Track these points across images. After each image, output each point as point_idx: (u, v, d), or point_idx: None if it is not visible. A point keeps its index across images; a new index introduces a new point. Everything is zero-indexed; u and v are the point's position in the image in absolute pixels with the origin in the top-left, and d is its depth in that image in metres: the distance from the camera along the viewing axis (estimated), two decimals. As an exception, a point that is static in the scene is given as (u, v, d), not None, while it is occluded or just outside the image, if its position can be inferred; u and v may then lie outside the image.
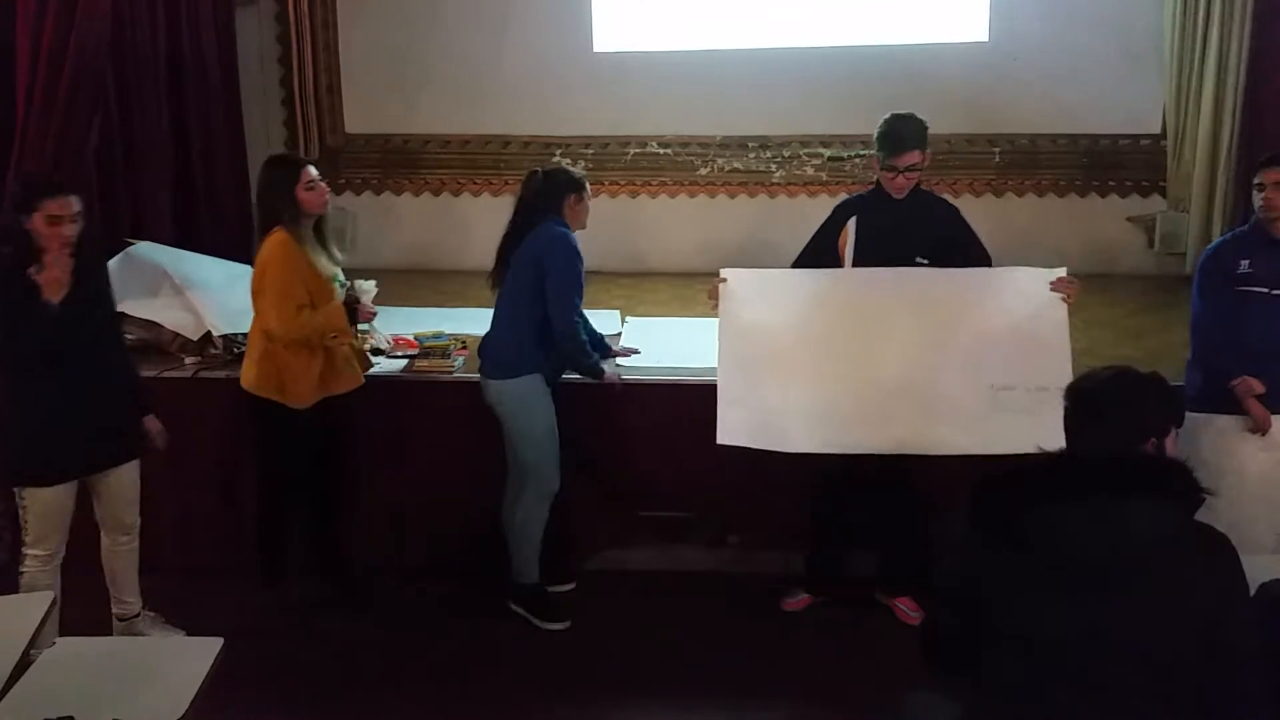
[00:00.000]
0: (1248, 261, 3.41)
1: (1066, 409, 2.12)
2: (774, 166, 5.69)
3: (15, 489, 3.27)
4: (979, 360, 3.30)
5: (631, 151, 5.74)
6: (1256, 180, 3.37)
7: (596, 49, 5.62)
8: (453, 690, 3.41)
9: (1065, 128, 5.51)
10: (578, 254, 3.56)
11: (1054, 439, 3.14)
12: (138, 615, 3.50)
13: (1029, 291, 3.33)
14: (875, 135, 3.51)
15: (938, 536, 3.61)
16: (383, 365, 4.05)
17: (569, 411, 3.70)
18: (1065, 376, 3.20)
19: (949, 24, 5.46)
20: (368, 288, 3.67)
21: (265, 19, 5.72)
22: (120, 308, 3.98)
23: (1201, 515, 1.98)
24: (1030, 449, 3.14)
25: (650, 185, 5.79)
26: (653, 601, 3.86)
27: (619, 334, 4.51)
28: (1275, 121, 5.04)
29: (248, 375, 3.61)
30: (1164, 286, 5.27)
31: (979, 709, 2.00)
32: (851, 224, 3.49)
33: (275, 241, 3.52)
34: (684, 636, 3.66)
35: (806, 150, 5.64)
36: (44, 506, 3.24)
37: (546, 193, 3.58)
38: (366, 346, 3.90)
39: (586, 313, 4.71)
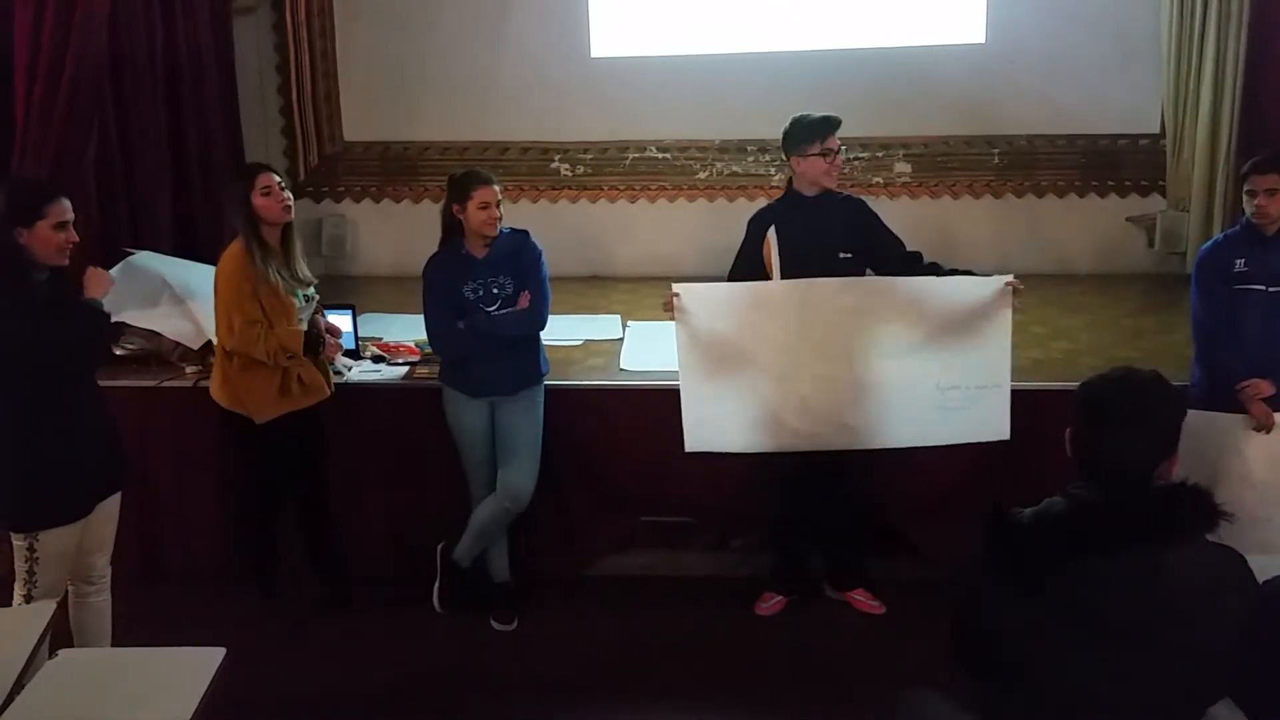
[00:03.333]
0: (1243, 260, 3.42)
1: (1083, 416, 1.94)
2: (773, 170, 5.69)
3: (22, 534, 2.93)
4: (926, 362, 3.44)
5: (630, 156, 5.75)
6: (1247, 187, 3.39)
7: (594, 54, 5.63)
8: (452, 697, 3.40)
9: (1064, 128, 5.51)
10: (429, 273, 3.67)
11: (990, 431, 3.39)
12: None
13: (976, 299, 3.43)
14: (788, 134, 3.59)
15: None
16: (384, 372, 4.05)
17: (556, 420, 3.72)
18: (1004, 375, 3.45)
19: (946, 26, 5.47)
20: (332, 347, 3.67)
21: (263, 28, 5.74)
22: (120, 317, 3.99)
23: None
24: (971, 440, 3.43)
25: (649, 190, 5.79)
26: (654, 607, 3.86)
27: (620, 339, 4.52)
28: (1274, 119, 5.04)
29: (214, 385, 3.62)
30: (1165, 286, 5.27)
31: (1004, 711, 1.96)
32: (772, 233, 3.58)
33: (227, 255, 3.50)
34: (685, 641, 3.66)
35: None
36: (60, 549, 2.94)
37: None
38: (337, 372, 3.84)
39: (588, 317, 4.76)
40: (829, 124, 3.54)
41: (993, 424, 3.44)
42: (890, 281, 3.48)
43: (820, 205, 3.58)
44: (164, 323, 4.08)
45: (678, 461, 3.84)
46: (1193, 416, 3.26)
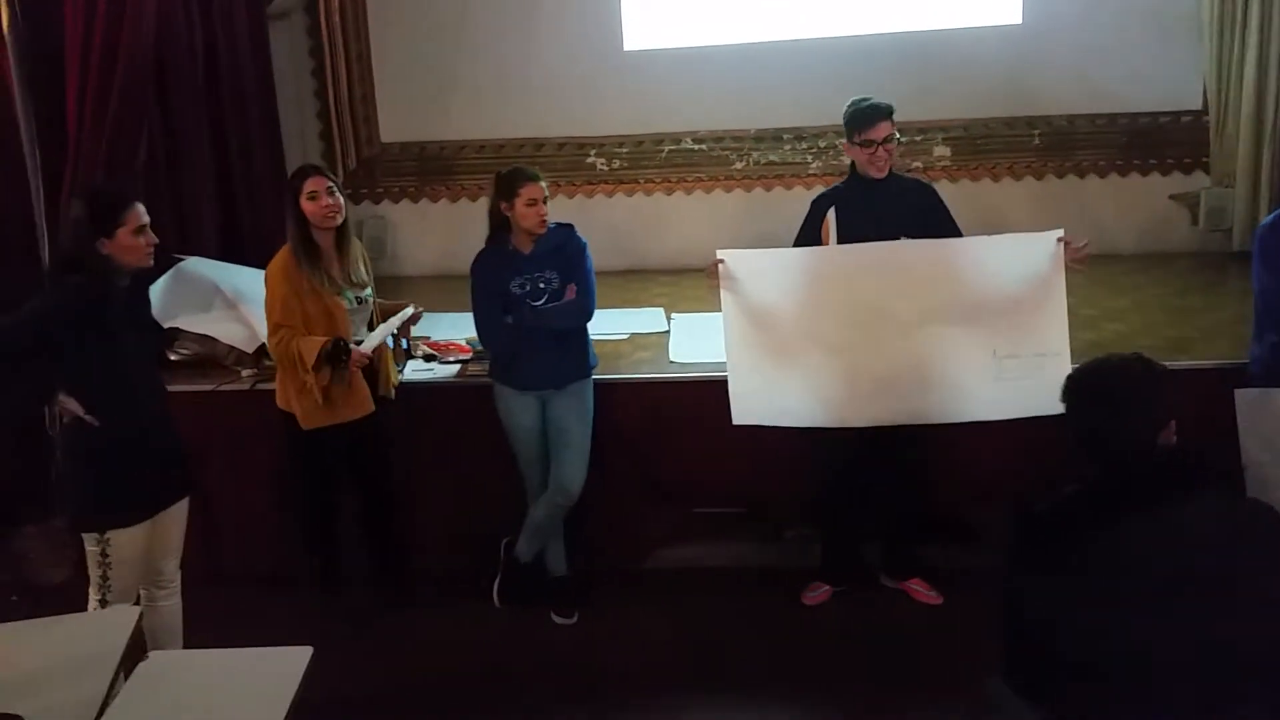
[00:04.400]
0: (1307, 233, 3.36)
1: (1073, 405, 2.07)
2: (810, 158, 5.67)
3: (94, 535, 2.96)
4: (981, 329, 3.35)
5: (666, 149, 5.74)
6: None
7: (627, 47, 5.62)
8: (516, 691, 3.43)
9: (1104, 107, 5.45)
10: (477, 271, 3.66)
11: (1053, 403, 3.23)
12: None
13: (1027, 258, 3.34)
14: (843, 121, 3.57)
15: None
16: (435, 371, 4.07)
17: (607, 414, 3.74)
18: (1063, 342, 3.33)
19: (982, 7, 5.42)
20: (403, 315, 3.65)
21: (297, 32, 5.76)
22: (174, 323, 4.05)
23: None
24: (1032, 413, 3.29)
25: (686, 181, 5.78)
26: (710, 598, 3.86)
27: (666, 331, 4.52)
28: (1320, 91, 4.97)
29: (277, 386, 3.66)
30: (1211, 264, 5.22)
31: None
32: (831, 215, 3.53)
33: (276, 258, 3.53)
34: (743, 632, 3.67)
35: (842, 140, 5.60)
36: (131, 551, 2.97)
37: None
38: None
39: (631, 311, 4.77)
40: (867, 116, 3.51)
41: (1056, 395, 3.34)
42: (940, 243, 3.41)
43: (883, 189, 3.55)
44: (217, 327, 4.12)
45: (730, 452, 3.86)
46: (1250, 394, 3.27)
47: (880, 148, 3.51)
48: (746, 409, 3.48)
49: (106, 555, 2.96)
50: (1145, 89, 5.40)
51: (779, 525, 4.14)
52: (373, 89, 5.81)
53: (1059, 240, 3.32)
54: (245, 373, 4.05)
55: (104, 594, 2.98)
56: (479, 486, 3.97)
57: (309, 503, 3.79)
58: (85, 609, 2.98)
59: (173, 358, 4.08)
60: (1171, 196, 5.50)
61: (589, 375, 3.73)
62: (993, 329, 3.34)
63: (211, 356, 4.11)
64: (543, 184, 3.56)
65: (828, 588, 3.82)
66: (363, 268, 3.65)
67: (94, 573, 2.98)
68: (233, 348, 4.09)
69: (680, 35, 5.58)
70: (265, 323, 3.90)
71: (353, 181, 5.88)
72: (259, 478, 4.01)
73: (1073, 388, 2.09)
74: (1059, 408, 3.29)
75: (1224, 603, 1.85)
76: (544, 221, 3.56)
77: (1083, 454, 2.02)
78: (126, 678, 2.22)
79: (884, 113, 3.52)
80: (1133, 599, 1.85)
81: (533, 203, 3.53)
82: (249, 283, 4.26)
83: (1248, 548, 1.90)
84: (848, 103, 3.60)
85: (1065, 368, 3.31)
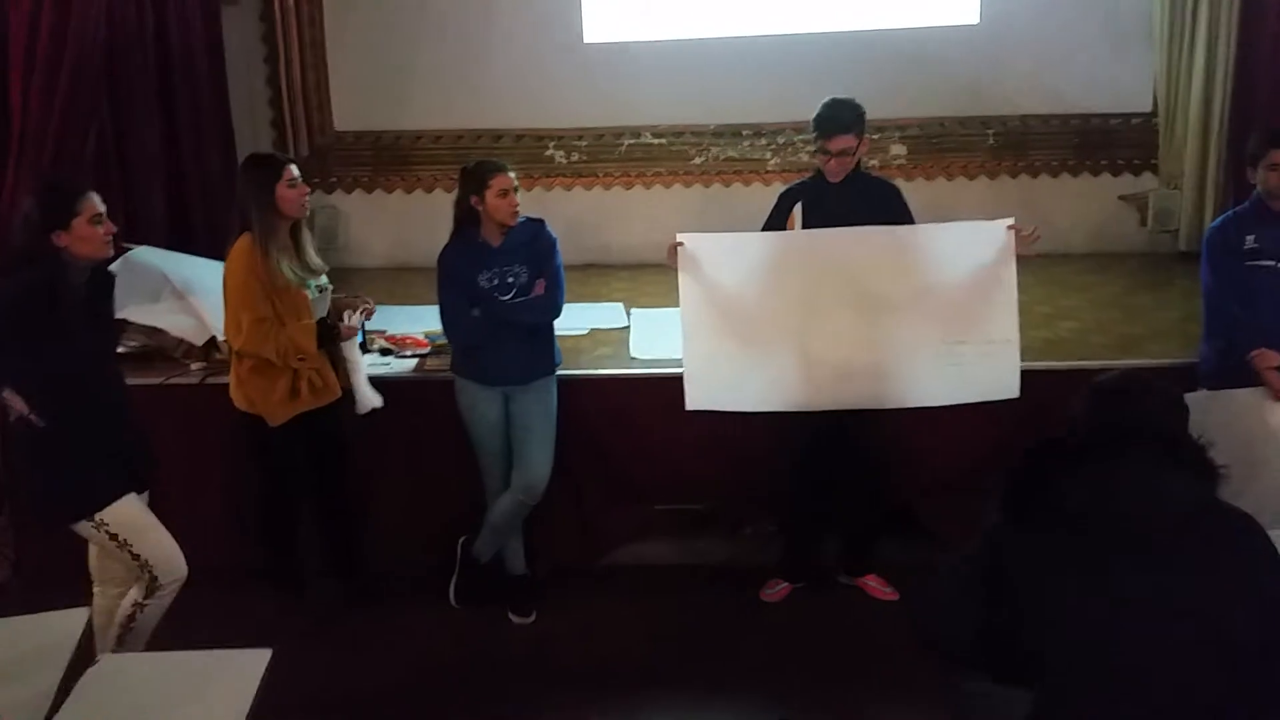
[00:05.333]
0: (1253, 237, 3.44)
1: (1091, 405, 2.05)
2: (769, 154, 5.68)
3: (87, 522, 2.90)
4: (933, 315, 3.40)
5: (625, 142, 5.72)
6: (1264, 161, 3.38)
7: (587, 39, 5.59)
8: (472, 691, 3.39)
9: (1057, 108, 5.54)
10: (444, 262, 3.57)
11: (1000, 389, 3.36)
12: None
13: (977, 246, 3.39)
14: (812, 120, 3.56)
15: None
16: (392, 366, 4.01)
17: (569, 411, 3.71)
18: (1013, 330, 3.40)
19: (940, 7, 5.47)
20: (355, 321, 3.56)
21: (250, 17, 5.64)
22: (122, 314, 3.91)
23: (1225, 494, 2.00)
24: (977, 399, 3.37)
25: (645, 176, 5.77)
26: (669, 596, 3.85)
27: (626, 326, 4.50)
28: (1266, 96, 5.09)
29: (231, 386, 3.56)
30: (1159, 264, 5.33)
31: (1047, 704, 1.98)
32: (797, 210, 3.56)
33: (238, 250, 3.38)
34: (700, 630, 3.66)
35: (801, 136, 5.61)
36: (137, 513, 2.93)
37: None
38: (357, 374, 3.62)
39: (590, 305, 4.74)
40: (824, 127, 3.49)
41: (1004, 382, 3.39)
42: (893, 230, 3.44)
43: (850, 188, 3.55)
44: (166, 319, 4.02)
45: (691, 448, 3.86)
46: (1202, 396, 3.34)
47: (834, 159, 3.50)
48: (700, 395, 3.49)
49: (114, 533, 2.89)
50: (1098, 91, 5.50)
51: (738, 522, 4.15)
52: (326, 76, 5.72)
53: (1009, 228, 3.37)
54: (194, 366, 3.95)
55: (149, 577, 2.92)
56: (436, 483, 3.91)
57: (273, 502, 3.70)
58: (34, 610, 2.85)
59: (120, 349, 3.95)
60: (1121, 197, 5.60)
61: (553, 372, 3.70)
62: (944, 315, 3.39)
63: (160, 349, 4.00)
64: (512, 174, 3.52)
65: (786, 585, 3.84)
66: (314, 255, 3.57)
67: (122, 562, 2.91)
68: (182, 340, 3.99)
69: (641, 29, 5.56)
70: (215, 314, 3.83)
71: (304, 170, 5.64)
72: (209, 473, 3.91)
73: (1093, 392, 2.08)
74: (1008, 394, 3.41)
75: (1192, 577, 1.89)
76: (516, 213, 3.52)
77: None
78: (74, 683, 2.15)
79: (843, 125, 3.48)
80: (1101, 554, 1.89)
81: (504, 193, 3.48)
82: (199, 273, 4.16)
83: (1224, 533, 1.94)
84: (823, 101, 3.56)
85: (1014, 355, 3.40)
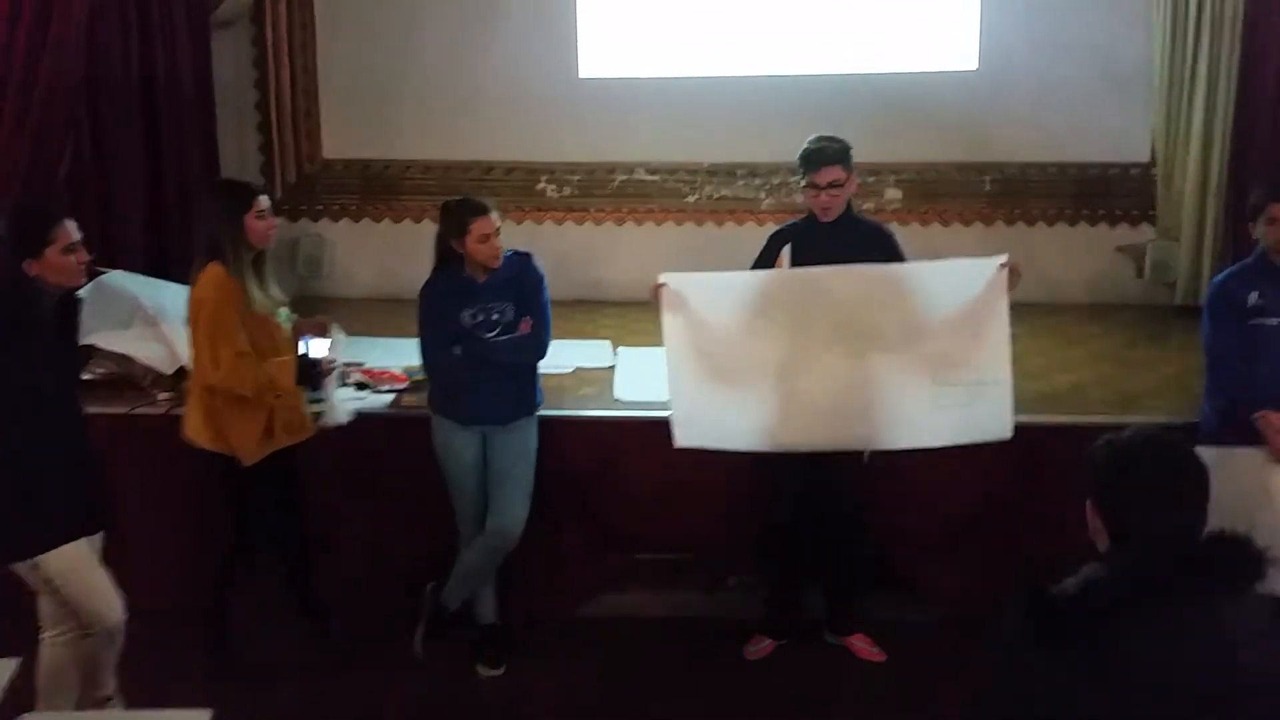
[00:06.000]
0: (1256, 293, 3.35)
1: (1112, 479, 1.76)
2: (763, 194, 5.61)
3: (26, 561, 2.78)
4: (923, 354, 3.31)
5: (618, 178, 5.64)
6: (1266, 215, 3.30)
7: (582, 74, 5.53)
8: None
9: (1055, 156, 5.48)
10: (426, 297, 3.47)
11: (993, 430, 3.23)
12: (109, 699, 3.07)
13: (969, 284, 3.30)
14: (798, 158, 3.49)
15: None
16: (368, 401, 3.88)
17: (548, 452, 3.59)
18: (1005, 370, 3.30)
19: (939, 53, 5.43)
20: (336, 336, 3.45)
21: (241, 42, 5.58)
22: (90, 339, 3.81)
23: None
24: (969, 440, 3.28)
25: (637, 212, 5.68)
26: (646, 649, 3.71)
27: (612, 366, 4.39)
28: (1264, 149, 5.04)
29: (191, 423, 3.37)
30: (1155, 317, 5.24)
31: None
32: (786, 251, 3.49)
33: (210, 278, 3.23)
34: (676, 686, 3.52)
35: (795, 178, 5.53)
36: (75, 558, 2.80)
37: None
38: (322, 418, 3.53)
39: (577, 342, 4.62)
40: (812, 159, 3.43)
41: (995, 423, 3.28)
42: (883, 268, 3.35)
43: (839, 229, 3.47)
44: (136, 346, 3.90)
45: (675, 495, 3.74)
46: (1206, 453, 3.23)
47: (824, 192, 3.42)
48: (689, 432, 3.40)
49: (50, 577, 2.79)
50: (1096, 140, 5.45)
51: (722, 573, 4.00)
52: (317, 103, 5.65)
53: (1001, 266, 3.26)
54: (161, 396, 3.82)
55: (85, 619, 2.83)
56: (404, 525, 3.77)
57: (236, 546, 3.54)
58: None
59: (86, 376, 3.82)
60: (1118, 248, 5.53)
61: (534, 413, 3.57)
62: (934, 355, 3.30)
63: (127, 377, 3.88)
64: (494, 215, 3.40)
65: (770, 641, 3.70)
66: (276, 286, 3.44)
67: (47, 608, 2.83)
68: (150, 369, 3.86)
69: (636, 65, 5.51)
70: (184, 342, 3.69)
71: (291, 197, 5.69)
72: (172, 507, 3.78)
73: (1114, 463, 1.77)
74: (1001, 435, 3.27)
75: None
76: (498, 256, 3.40)
77: (1108, 537, 1.77)
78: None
79: (830, 157, 3.42)
80: (1147, 699, 1.65)
81: (485, 239, 3.36)
82: (172, 299, 4.03)
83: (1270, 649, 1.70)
84: (807, 139, 3.51)
85: (1007, 395, 3.28)
